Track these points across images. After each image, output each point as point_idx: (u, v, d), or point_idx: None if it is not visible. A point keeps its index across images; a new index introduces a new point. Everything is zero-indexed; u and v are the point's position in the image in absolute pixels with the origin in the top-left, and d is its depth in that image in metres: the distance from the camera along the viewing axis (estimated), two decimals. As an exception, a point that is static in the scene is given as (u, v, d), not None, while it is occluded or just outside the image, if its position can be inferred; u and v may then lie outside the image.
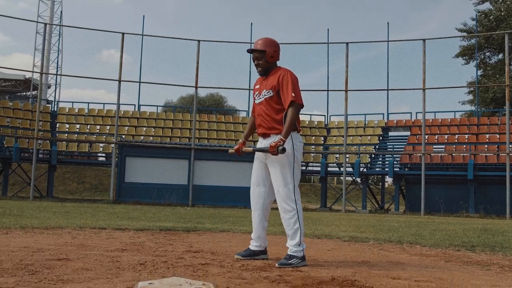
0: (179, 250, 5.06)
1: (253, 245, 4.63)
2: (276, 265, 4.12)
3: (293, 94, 4.34)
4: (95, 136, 26.36)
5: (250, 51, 4.67)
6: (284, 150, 4.21)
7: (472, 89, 34.88)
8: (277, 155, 4.26)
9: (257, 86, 4.69)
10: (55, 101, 33.13)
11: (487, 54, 39.63)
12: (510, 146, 20.92)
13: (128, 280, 3.29)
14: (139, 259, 4.26)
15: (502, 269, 4.52)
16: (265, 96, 4.49)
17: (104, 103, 28.64)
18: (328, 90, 26.99)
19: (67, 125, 26.93)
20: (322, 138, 27.59)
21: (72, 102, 29.03)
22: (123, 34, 22.46)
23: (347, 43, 23.00)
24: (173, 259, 4.32)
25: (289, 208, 4.31)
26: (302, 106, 4.44)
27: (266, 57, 4.55)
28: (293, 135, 4.42)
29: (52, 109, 28.96)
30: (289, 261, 4.17)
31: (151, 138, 26.15)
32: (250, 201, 4.71)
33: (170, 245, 5.46)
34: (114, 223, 8.17)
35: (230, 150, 4.84)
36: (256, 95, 4.65)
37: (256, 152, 4.57)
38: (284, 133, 4.29)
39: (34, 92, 40.74)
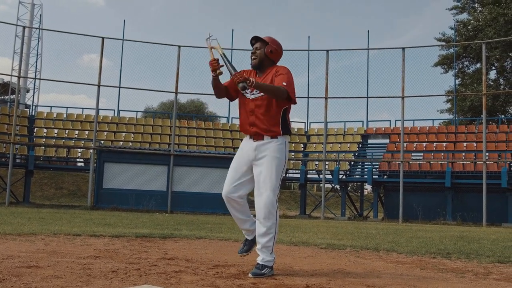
0: (153, 257, 4.99)
1: (248, 235, 4.47)
2: (250, 275, 4.05)
3: (284, 83, 4.18)
4: (73, 141, 26.08)
5: (254, 38, 4.43)
6: (244, 87, 4.08)
7: (450, 97, 35.29)
8: (238, 82, 4.07)
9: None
10: (33, 105, 32.79)
11: (465, 63, 40.17)
12: (487, 154, 21.20)
13: (99, 288, 3.23)
14: (112, 266, 4.19)
15: (477, 276, 4.54)
16: (262, 93, 4.24)
17: (83, 108, 28.50)
18: (308, 97, 27.10)
19: (45, 130, 26.58)
20: (302, 145, 27.66)
21: (51, 107, 28.72)
22: (103, 38, 22.31)
23: (327, 51, 23.14)
24: (146, 267, 4.25)
25: (270, 215, 4.17)
26: (292, 99, 4.27)
27: (265, 50, 4.35)
28: (286, 143, 4.34)
29: (30, 113, 28.61)
30: (262, 271, 4.08)
31: (130, 144, 25.94)
32: (226, 202, 4.41)
33: (144, 252, 5.39)
34: (90, 229, 8.06)
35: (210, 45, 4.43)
36: (249, 90, 4.33)
37: (244, 149, 4.33)
38: (259, 84, 4.13)
39: (12, 96, 40.18)
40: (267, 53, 4.36)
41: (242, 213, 4.40)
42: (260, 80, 4.30)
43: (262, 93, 4.22)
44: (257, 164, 4.26)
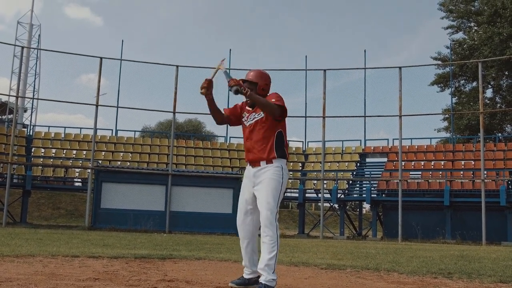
0: (153, 279, 4.94)
1: (246, 273, 4.60)
2: None
3: (273, 100, 4.43)
4: (71, 161, 26.02)
5: (242, 81, 4.58)
6: (237, 91, 4.30)
7: (447, 116, 35.41)
8: (232, 86, 4.31)
9: (250, 108, 4.66)
10: (31, 125, 32.76)
11: (462, 82, 40.38)
12: (485, 172, 21.18)
13: (99, 311, 3.19)
14: (111, 289, 4.14)
15: (479, 297, 4.51)
16: (255, 118, 4.49)
17: (81, 128, 28.50)
18: (306, 117, 27.18)
19: (43, 150, 26.55)
20: (300, 164, 27.64)
21: (49, 127, 28.70)
22: (101, 58, 22.37)
23: (324, 70, 23.23)
24: (146, 289, 4.21)
25: (270, 233, 4.27)
26: (284, 108, 4.45)
27: (257, 89, 4.54)
28: (283, 166, 4.50)
29: (28, 133, 28.57)
30: None
31: (128, 164, 25.89)
32: (238, 230, 4.67)
33: (144, 274, 5.34)
34: (88, 250, 7.99)
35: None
36: (244, 119, 4.63)
37: (246, 179, 4.58)
38: (253, 94, 4.36)
39: (9, 116, 40.18)
40: (259, 91, 4.54)
41: (249, 245, 4.62)
42: (254, 111, 4.55)
43: (255, 119, 4.48)
44: (256, 190, 4.48)
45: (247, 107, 4.66)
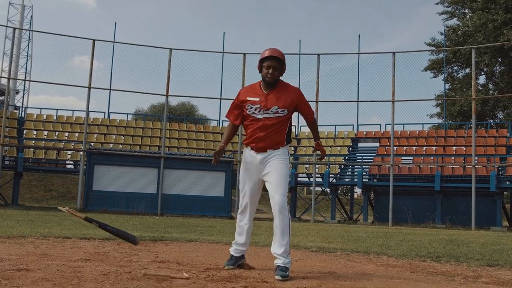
0: (144, 260, 4.98)
1: (237, 252, 4.65)
2: (279, 277, 4.09)
3: (312, 112, 4.74)
4: (63, 143, 25.94)
5: (270, 57, 4.47)
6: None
7: (440, 102, 35.52)
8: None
9: (256, 99, 4.51)
10: (22, 107, 32.59)
11: (455, 68, 40.50)
12: (476, 158, 21.32)
13: (90, 291, 3.22)
14: (103, 269, 4.17)
15: (466, 279, 4.57)
16: (278, 114, 4.45)
17: (73, 110, 28.31)
18: (299, 101, 27.08)
19: (35, 132, 26.44)
20: (293, 149, 27.70)
21: (40, 109, 28.61)
22: (93, 40, 22.21)
23: (318, 54, 23.20)
24: (137, 270, 4.24)
25: (284, 217, 4.35)
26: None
27: (282, 69, 4.55)
28: (288, 150, 4.63)
29: (20, 115, 28.42)
30: (286, 273, 4.19)
31: (121, 146, 25.87)
32: (241, 214, 4.66)
33: (135, 255, 5.37)
34: (80, 232, 8.01)
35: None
36: (257, 109, 4.48)
37: (250, 166, 4.55)
38: (317, 136, 4.81)
39: (1, 98, 39.93)
40: (282, 72, 4.57)
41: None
42: (271, 98, 4.48)
43: (278, 115, 4.45)
44: (265, 175, 4.49)
45: (249, 98, 4.54)
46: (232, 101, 4.73)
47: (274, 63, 4.45)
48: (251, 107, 4.50)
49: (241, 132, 19.20)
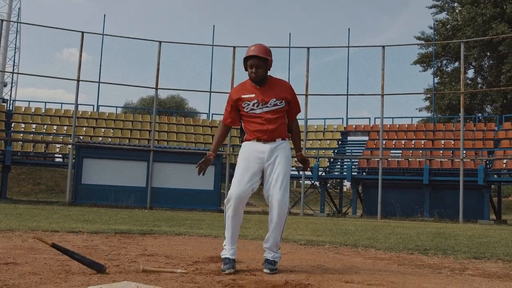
0: (132, 253, 4.97)
1: (232, 253, 4.19)
2: (267, 271, 4.08)
3: (298, 111, 4.66)
4: (51, 137, 25.77)
5: (252, 56, 4.31)
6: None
7: (429, 95, 35.69)
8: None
9: (251, 95, 4.36)
10: (11, 99, 32.33)
11: (444, 62, 40.68)
12: (464, 152, 21.46)
13: (77, 285, 3.21)
14: (91, 263, 4.16)
15: (453, 272, 4.61)
16: (278, 107, 4.34)
17: (62, 103, 28.14)
18: (288, 94, 27.12)
19: (23, 125, 26.23)
20: (282, 142, 27.69)
21: (29, 101, 28.42)
22: (82, 33, 22.05)
23: (308, 48, 23.20)
24: (125, 263, 4.24)
25: (285, 213, 4.28)
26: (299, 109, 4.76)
27: (267, 66, 4.38)
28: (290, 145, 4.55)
29: (8, 108, 28.18)
30: (275, 267, 4.20)
31: (110, 140, 25.76)
32: (233, 207, 4.22)
33: (124, 248, 5.36)
34: (68, 225, 7.99)
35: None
36: (255, 104, 4.32)
37: (253, 156, 4.32)
38: (300, 147, 4.70)
39: (-12, 90, 39.53)
40: (268, 68, 4.42)
41: (240, 219, 4.33)
42: (266, 92, 4.36)
43: (277, 107, 4.35)
44: (270, 166, 4.32)
45: (244, 96, 4.37)
46: (226, 105, 4.54)
47: (256, 62, 4.31)
48: (248, 104, 4.35)
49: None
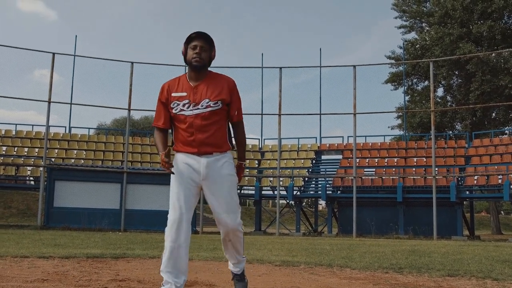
0: (104, 279, 4.87)
1: (182, 284, 3.74)
2: None
3: (239, 111, 3.96)
4: (22, 159, 25.31)
5: (198, 36, 3.78)
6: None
7: (400, 114, 36.16)
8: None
9: (183, 94, 3.79)
10: (-21, 122, 31.68)
11: (414, 80, 41.36)
12: (436, 169, 21.74)
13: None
14: (61, 290, 4.06)
15: (427, 291, 4.63)
16: (212, 108, 3.71)
17: (33, 125, 27.73)
18: (262, 114, 27.27)
19: (-8, 148, 25.74)
20: (256, 162, 27.72)
21: (-1, 124, 27.88)
22: (53, 54, 21.82)
23: (280, 68, 23.35)
24: (97, 289, 4.15)
25: (241, 234, 3.99)
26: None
27: (211, 53, 3.84)
28: (232, 157, 3.93)
29: (-23, 130, 27.65)
30: (245, 282, 4.18)
31: (82, 161, 25.41)
32: (173, 234, 3.78)
33: (95, 274, 5.25)
34: (38, 250, 7.80)
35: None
36: (185, 105, 3.75)
37: (185, 172, 3.79)
38: (243, 156, 4.00)
39: (-43, 113, 38.78)
40: (212, 57, 3.88)
41: (188, 240, 3.86)
42: (200, 91, 3.77)
43: (211, 109, 3.72)
44: (210, 184, 3.81)
45: (174, 94, 3.82)
46: (157, 103, 3.92)
47: (202, 43, 3.76)
48: (178, 104, 3.77)
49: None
